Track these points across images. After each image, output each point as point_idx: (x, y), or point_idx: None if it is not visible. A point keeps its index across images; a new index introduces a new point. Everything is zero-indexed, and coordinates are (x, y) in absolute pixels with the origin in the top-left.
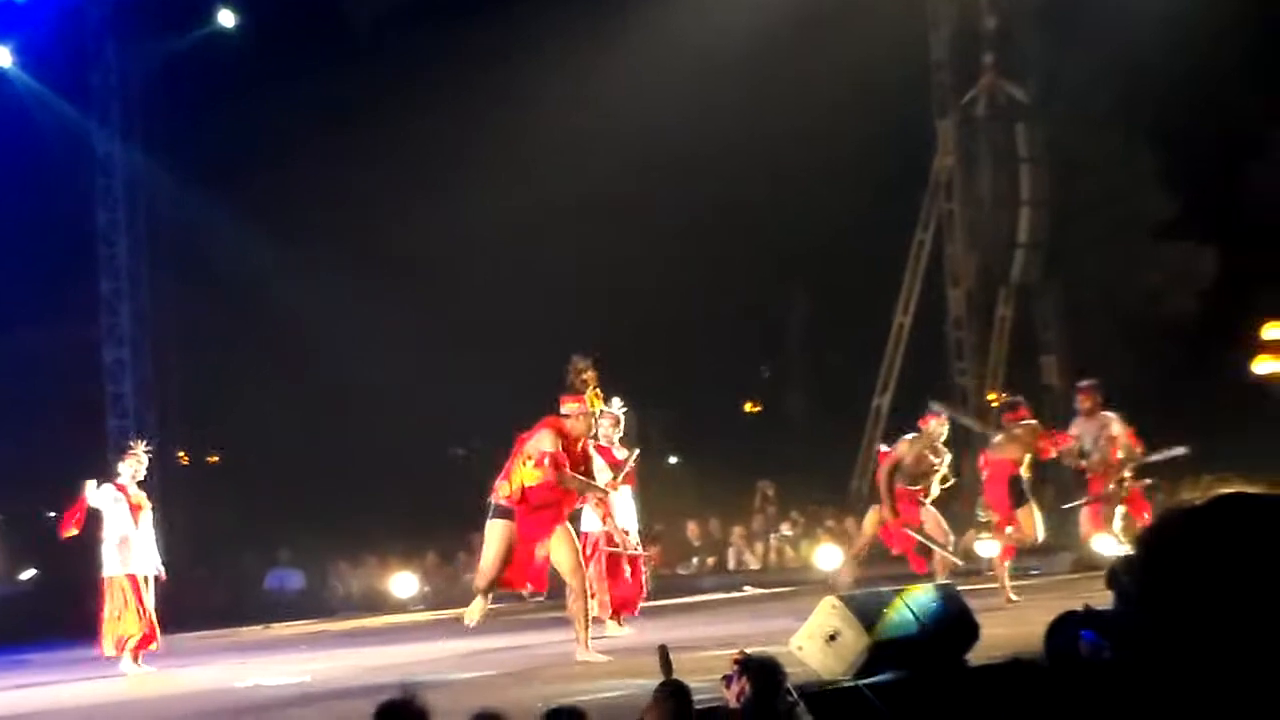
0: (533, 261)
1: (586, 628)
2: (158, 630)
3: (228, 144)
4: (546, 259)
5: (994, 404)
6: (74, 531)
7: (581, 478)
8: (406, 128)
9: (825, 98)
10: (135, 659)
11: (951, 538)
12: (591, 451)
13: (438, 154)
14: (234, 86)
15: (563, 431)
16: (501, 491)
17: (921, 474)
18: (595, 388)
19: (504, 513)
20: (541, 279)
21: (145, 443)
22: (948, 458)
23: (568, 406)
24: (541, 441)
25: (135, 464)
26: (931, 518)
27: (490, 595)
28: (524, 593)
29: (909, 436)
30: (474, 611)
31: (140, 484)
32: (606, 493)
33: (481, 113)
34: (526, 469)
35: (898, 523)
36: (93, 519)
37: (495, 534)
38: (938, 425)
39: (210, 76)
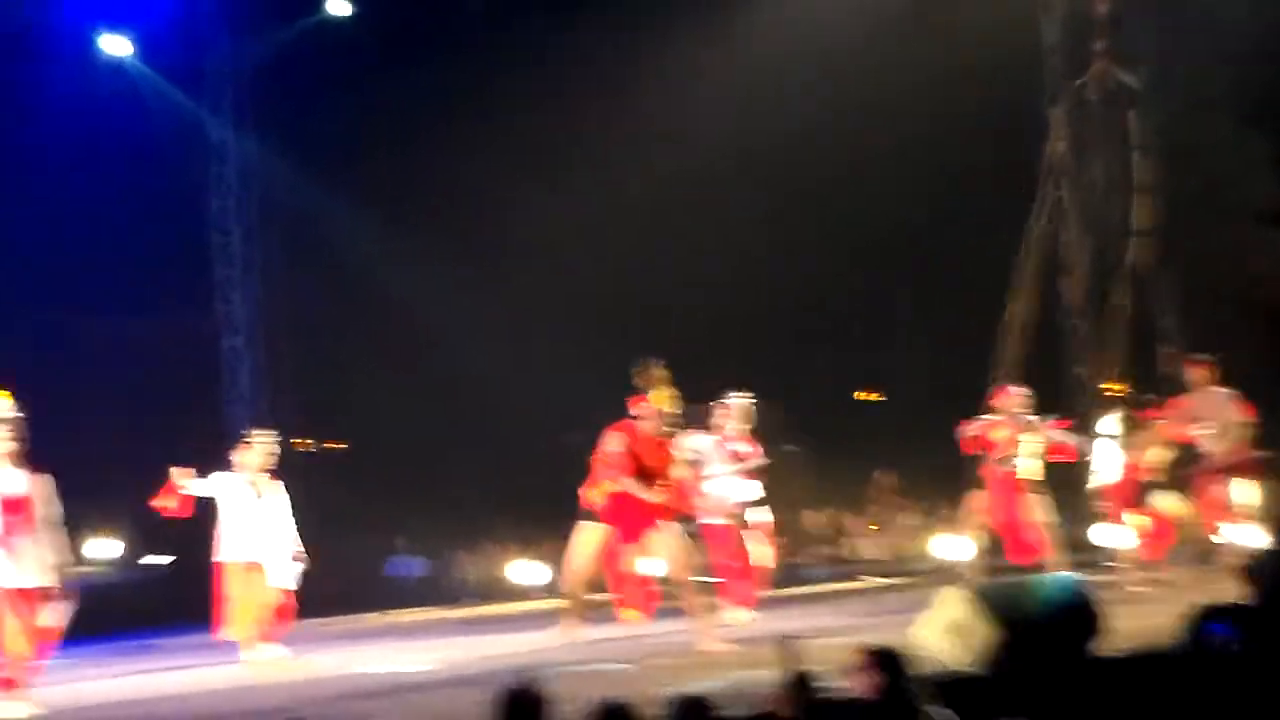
0: (646, 249)
1: (703, 617)
2: (289, 615)
3: (340, 131)
4: (661, 247)
5: (1111, 393)
6: (170, 507)
7: (634, 483)
8: (517, 116)
9: (934, 84)
10: (259, 645)
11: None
12: (672, 450)
13: (548, 142)
14: (347, 74)
15: (632, 434)
16: (590, 496)
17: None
18: (666, 387)
19: (594, 516)
20: (655, 267)
21: (269, 431)
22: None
23: (637, 408)
24: (609, 444)
25: (255, 452)
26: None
27: (579, 596)
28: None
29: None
30: (570, 621)
31: (268, 471)
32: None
33: (591, 101)
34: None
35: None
36: (210, 505)
37: (585, 538)
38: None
39: (323, 64)
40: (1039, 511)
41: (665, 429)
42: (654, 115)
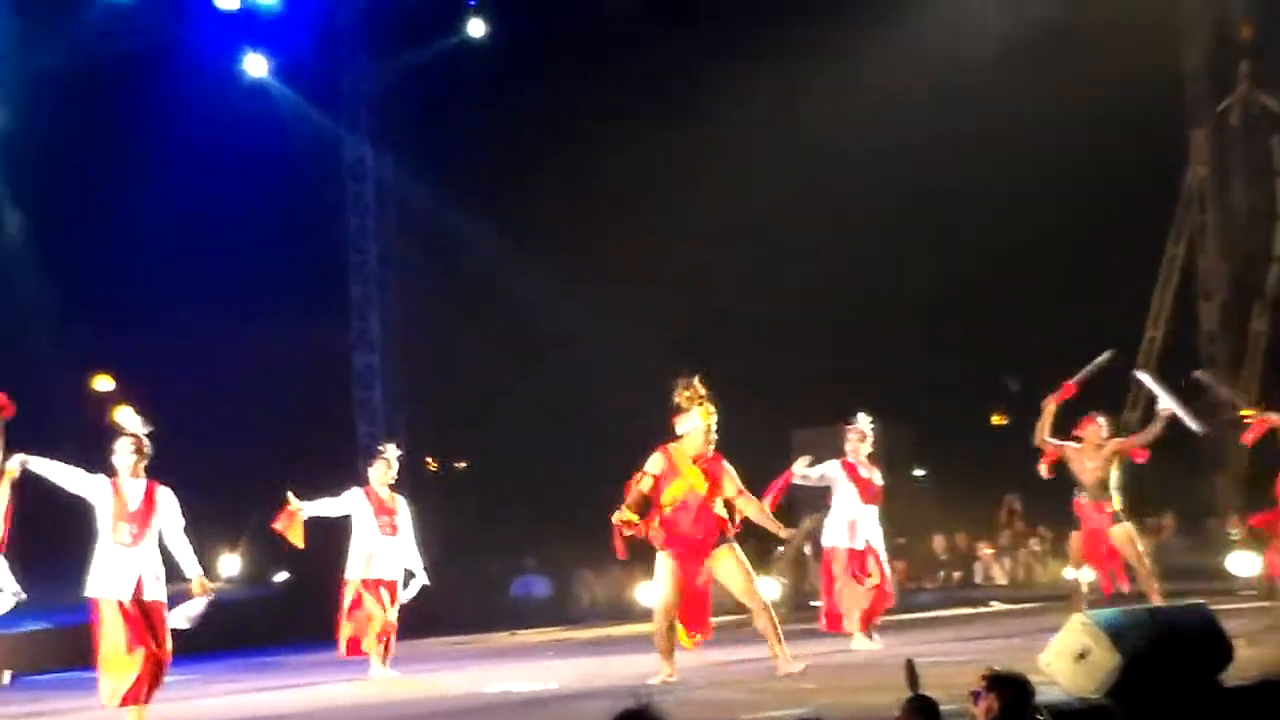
0: (780, 272)
1: (780, 640)
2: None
3: (476, 150)
4: (791, 264)
5: (1247, 419)
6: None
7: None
8: (651, 135)
9: (1075, 106)
10: (383, 662)
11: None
12: (726, 466)
13: (682, 161)
14: (482, 93)
15: (671, 453)
16: (642, 529)
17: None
18: (706, 403)
19: (662, 546)
20: (783, 285)
21: (396, 446)
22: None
23: (679, 426)
24: (650, 464)
25: (384, 468)
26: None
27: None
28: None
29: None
30: (665, 667)
31: (393, 488)
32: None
33: (727, 117)
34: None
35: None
36: (341, 523)
37: (662, 570)
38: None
39: (459, 83)
40: (1130, 541)
41: (707, 447)
42: (785, 129)
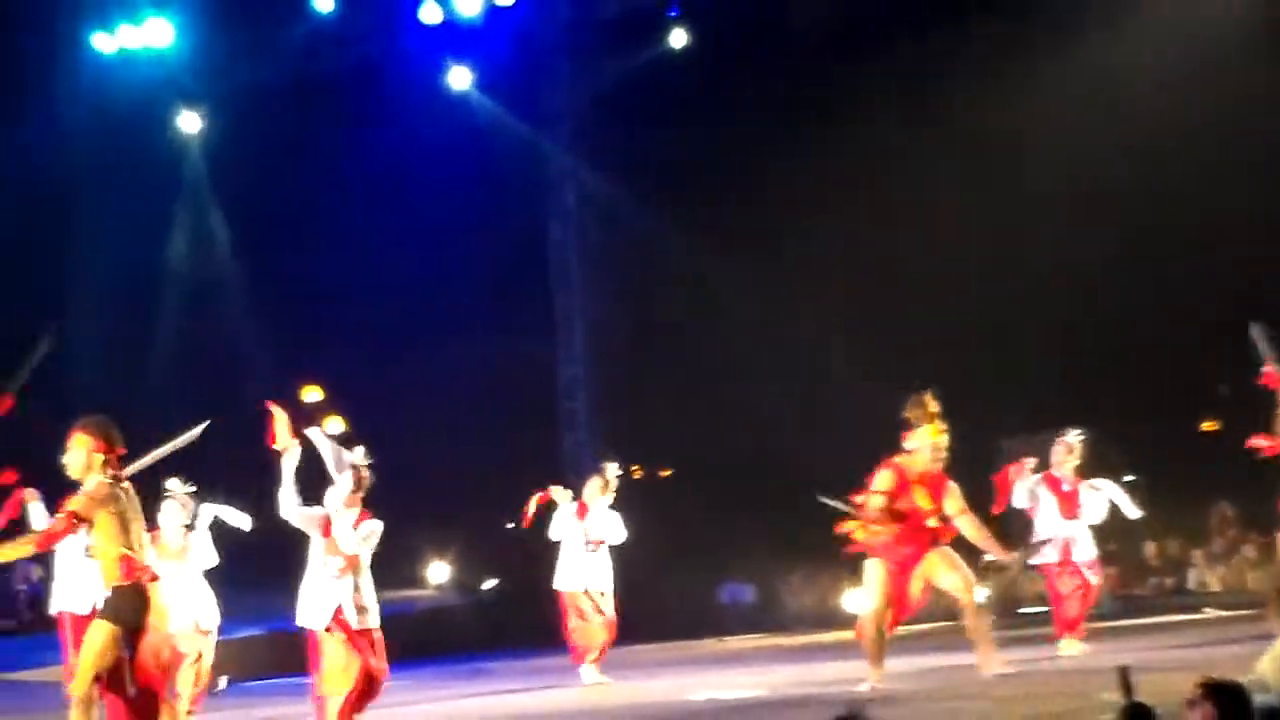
0: (986, 276)
1: (989, 642)
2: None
3: (679, 160)
4: (999, 273)
5: None
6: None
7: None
8: (858, 138)
9: None
10: (596, 669)
11: None
12: (950, 485)
13: (898, 165)
14: (684, 102)
15: (900, 469)
16: (858, 535)
17: None
18: (936, 420)
19: (875, 554)
20: (992, 293)
21: (616, 464)
22: None
23: (908, 442)
24: (877, 480)
25: (599, 484)
26: None
27: (882, 636)
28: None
29: None
30: (873, 673)
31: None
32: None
33: (934, 117)
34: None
35: None
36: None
37: (872, 578)
38: None
39: (661, 93)
40: None
41: (936, 463)
42: (993, 134)
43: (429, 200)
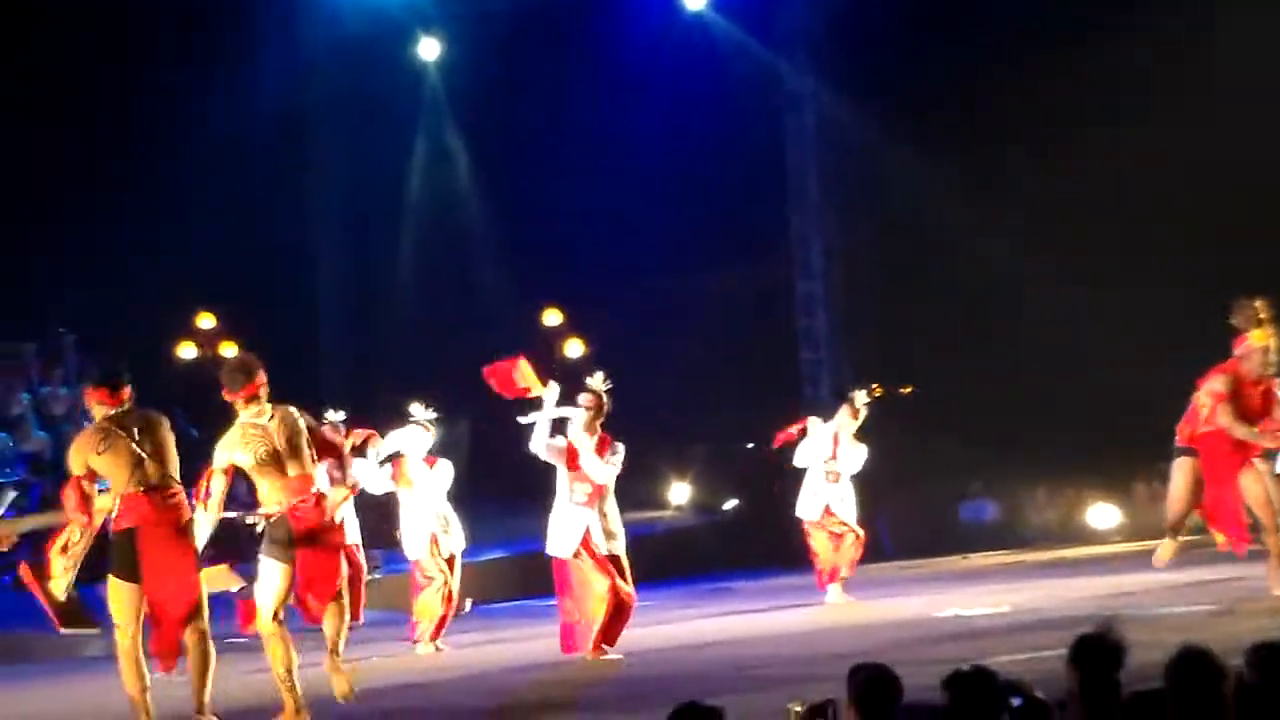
0: (1225, 206)
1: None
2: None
3: (916, 80)
4: (1235, 203)
5: None
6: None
7: (1244, 426)
8: (1101, 59)
9: None
10: (839, 589)
11: None
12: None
13: (1134, 87)
14: (923, 21)
15: (1237, 374)
16: (1183, 433)
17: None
18: (1266, 325)
19: (1187, 452)
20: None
21: (864, 392)
22: None
23: (1240, 348)
24: (1212, 384)
25: (848, 413)
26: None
27: (1180, 534)
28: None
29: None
30: (1164, 552)
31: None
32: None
33: (1178, 45)
34: (1202, 414)
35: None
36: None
37: (1179, 473)
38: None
39: (899, 11)
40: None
41: (1266, 369)
42: (1237, 66)
43: (665, 123)
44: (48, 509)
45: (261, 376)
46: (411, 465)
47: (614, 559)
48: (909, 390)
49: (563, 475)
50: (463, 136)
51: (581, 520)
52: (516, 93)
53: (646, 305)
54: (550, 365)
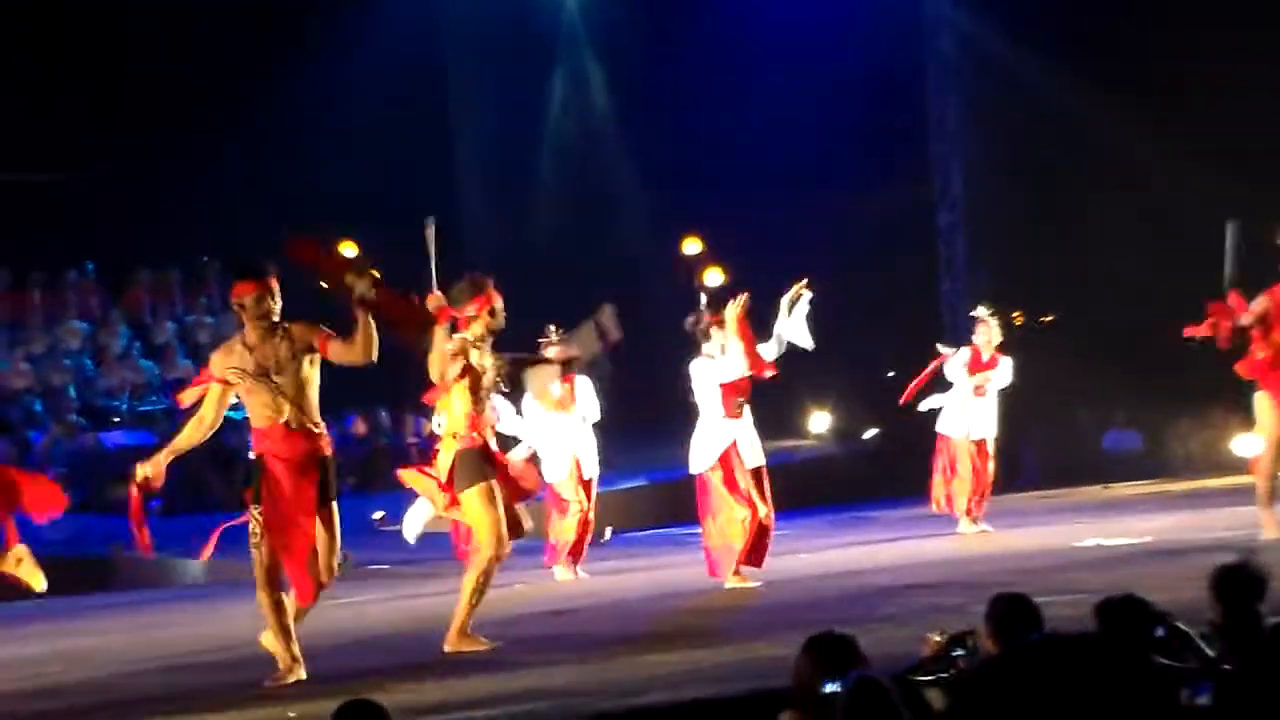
0: None
1: None
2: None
3: (1062, 3)
4: None
5: None
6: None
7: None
8: None
9: None
10: (972, 518)
11: None
12: None
13: None
14: None
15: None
16: (1242, 367)
17: None
18: None
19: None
20: None
21: (990, 309)
22: None
23: None
24: (1255, 304)
25: (986, 332)
26: None
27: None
28: None
29: None
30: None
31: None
32: None
33: None
34: None
35: None
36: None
37: (1261, 410)
38: None
39: None
40: None
41: None
42: None
43: (803, 48)
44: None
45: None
46: (550, 390)
47: (756, 473)
48: (1050, 319)
49: (712, 389)
50: (601, 67)
51: (728, 433)
52: (654, 22)
53: (786, 233)
54: (692, 292)
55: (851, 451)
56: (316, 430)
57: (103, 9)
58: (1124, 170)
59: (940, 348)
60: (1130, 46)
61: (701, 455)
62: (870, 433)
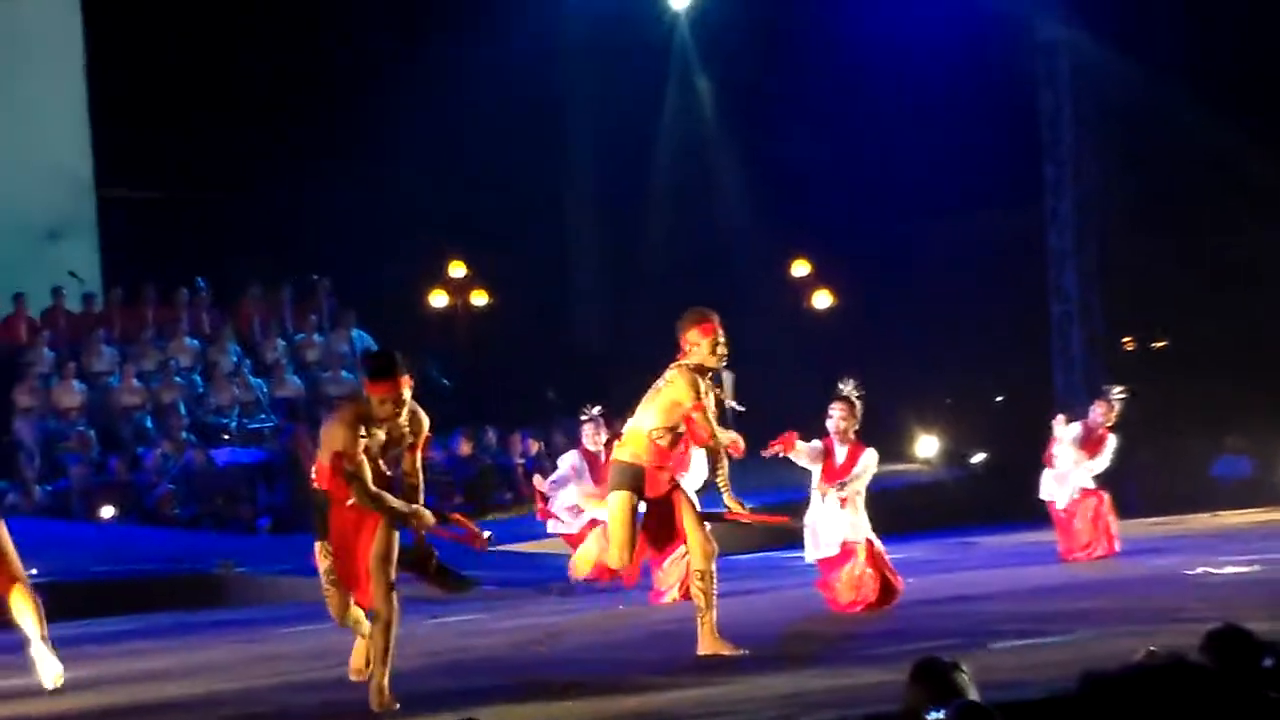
0: None
1: None
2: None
3: (1175, 21)
4: None
5: None
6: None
7: None
8: None
9: None
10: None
11: None
12: None
13: None
14: None
15: None
16: None
17: None
18: None
19: None
20: None
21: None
22: None
23: None
24: None
25: (1107, 413)
26: None
27: None
28: None
29: None
30: None
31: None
32: None
33: None
34: None
35: None
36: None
37: None
38: None
39: None
40: None
41: None
42: None
43: (914, 71)
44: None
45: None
46: None
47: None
48: (1162, 344)
49: (815, 476)
50: (711, 84)
51: (842, 520)
52: (765, 40)
53: (893, 255)
54: (798, 316)
55: (959, 476)
56: None
57: (218, 33)
58: (1247, 191)
59: (1055, 427)
60: (1230, 61)
61: (821, 542)
62: (978, 457)
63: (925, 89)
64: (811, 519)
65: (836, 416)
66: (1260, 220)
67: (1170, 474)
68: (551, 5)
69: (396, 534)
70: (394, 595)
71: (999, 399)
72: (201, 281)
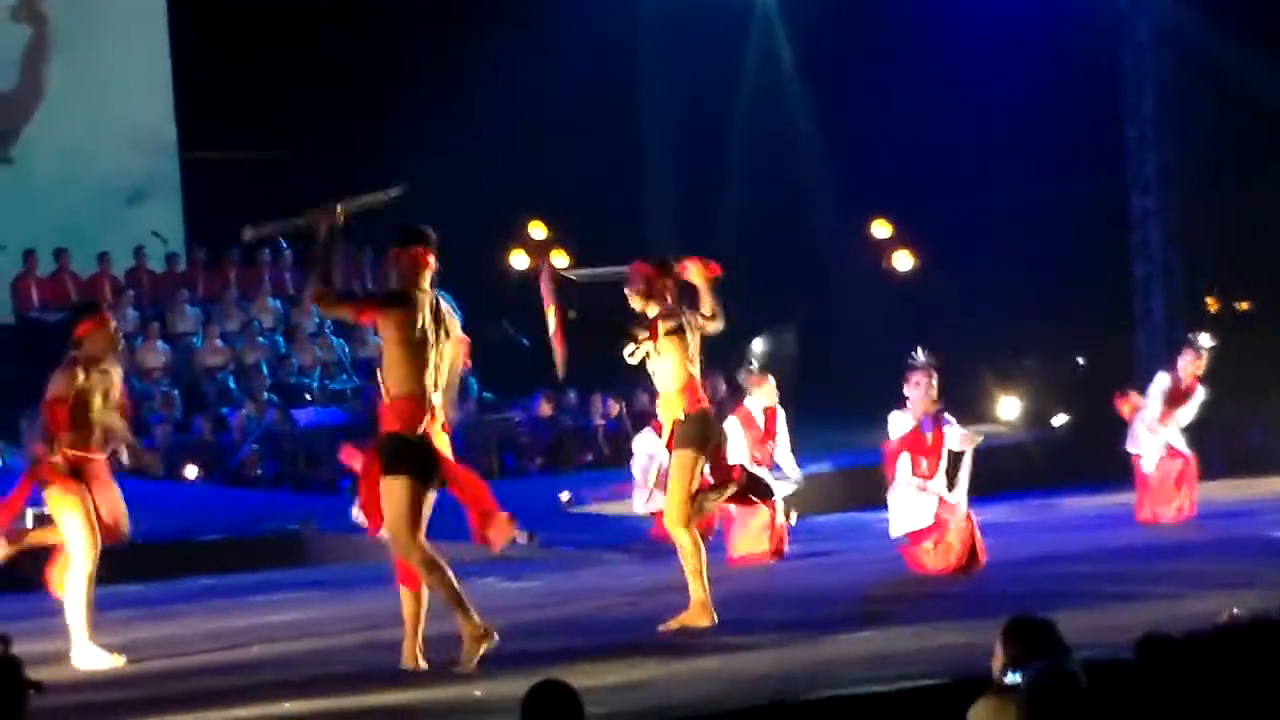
0: None
1: None
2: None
3: None
4: None
5: None
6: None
7: None
8: None
9: None
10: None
11: None
12: None
13: None
14: None
15: None
16: None
17: None
18: None
19: None
20: None
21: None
22: None
23: None
24: None
25: (1191, 359)
26: None
27: None
28: None
29: None
30: None
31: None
32: None
33: None
34: None
35: None
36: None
37: None
38: None
39: None
40: None
41: None
42: None
43: (997, 31)
44: None
45: None
46: None
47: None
48: (1245, 306)
49: (904, 463)
50: (793, 47)
51: (927, 501)
52: (846, 5)
53: (975, 217)
54: (879, 276)
55: (1041, 438)
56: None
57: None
58: None
59: (1133, 397)
60: None
61: (899, 522)
62: (1060, 419)
63: (1005, 51)
64: (898, 496)
65: (924, 385)
66: None
67: (1254, 439)
68: None
69: (406, 498)
70: (427, 554)
71: (1080, 361)
72: (284, 242)
